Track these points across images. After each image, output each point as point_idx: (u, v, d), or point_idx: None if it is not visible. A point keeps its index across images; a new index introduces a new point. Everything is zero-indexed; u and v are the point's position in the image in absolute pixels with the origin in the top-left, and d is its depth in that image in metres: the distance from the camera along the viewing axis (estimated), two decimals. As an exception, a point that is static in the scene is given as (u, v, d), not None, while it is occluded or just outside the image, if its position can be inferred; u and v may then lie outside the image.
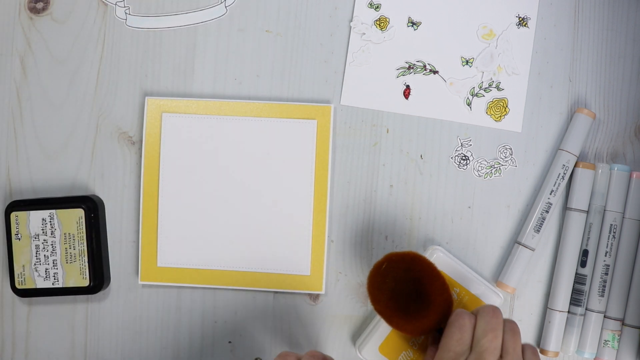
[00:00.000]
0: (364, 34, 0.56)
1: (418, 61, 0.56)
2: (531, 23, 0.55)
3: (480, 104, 0.55)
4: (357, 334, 0.55)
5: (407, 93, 0.56)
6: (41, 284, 0.55)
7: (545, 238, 0.55)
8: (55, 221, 0.55)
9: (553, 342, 0.53)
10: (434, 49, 0.56)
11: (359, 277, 0.56)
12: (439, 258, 0.52)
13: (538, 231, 0.53)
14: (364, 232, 0.56)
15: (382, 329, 0.52)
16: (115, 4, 0.57)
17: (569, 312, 0.53)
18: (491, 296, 0.52)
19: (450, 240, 0.55)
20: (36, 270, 0.55)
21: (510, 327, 0.45)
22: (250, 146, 0.56)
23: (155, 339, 0.57)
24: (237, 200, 0.56)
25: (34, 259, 0.55)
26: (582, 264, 0.53)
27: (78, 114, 0.57)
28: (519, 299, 0.55)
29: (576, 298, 0.53)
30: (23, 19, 0.58)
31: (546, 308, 0.54)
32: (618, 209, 0.53)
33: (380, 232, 0.56)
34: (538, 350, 0.48)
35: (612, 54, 0.55)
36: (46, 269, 0.55)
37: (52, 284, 0.55)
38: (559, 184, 0.53)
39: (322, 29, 0.56)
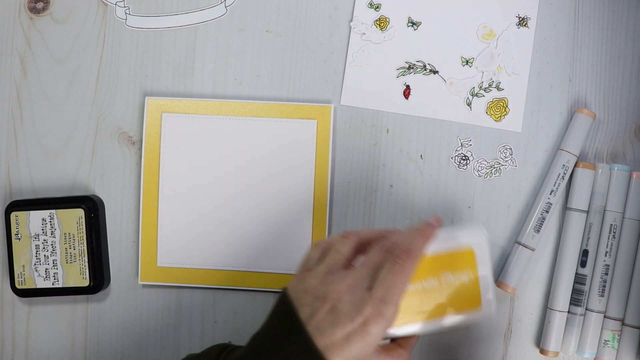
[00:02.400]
0: (364, 34, 0.56)
1: (418, 61, 0.56)
2: (531, 23, 0.55)
3: (480, 104, 0.55)
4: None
5: (407, 93, 0.56)
6: (41, 284, 0.55)
7: (545, 238, 0.55)
8: (55, 221, 0.55)
9: (553, 342, 0.53)
10: (434, 49, 0.56)
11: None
12: (476, 240, 0.48)
13: (538, 231, 0.53)
14: (364, 232, 0.56)
15: None
16: (115, 4, 0.57)
17: (569, 312, 0.53)
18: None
19: (450, 240, 0.55)
20: (36, 270, 0.55)
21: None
22: (250, 146, 0.56)
23: (155, 339, 0.57)
24: (237, 200, 0.56)
25: (34, 259, 0.55)
26: (582, 264, 0.53)
27: (78, 114, 0.57)
28: (519, 299, 0.55)
29: (576, 298, 0.53)
30: (23, 19, 0.58)
31: (546, 308, 0.54)
32: (618, 209, 0.53)
33: (380, 232, 0.56)
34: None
35: (612, 54, 0.55)
36: (46, 269, 0.55)
37: (52, 284, 0.55)
38: (559, 184, 0.53)
39: (322, 29, 0.56)
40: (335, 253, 0.44)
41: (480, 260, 0.48)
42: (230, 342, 0.56)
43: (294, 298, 0.42)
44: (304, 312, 0.41)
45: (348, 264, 0.44)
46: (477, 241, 0.48)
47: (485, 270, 0.48)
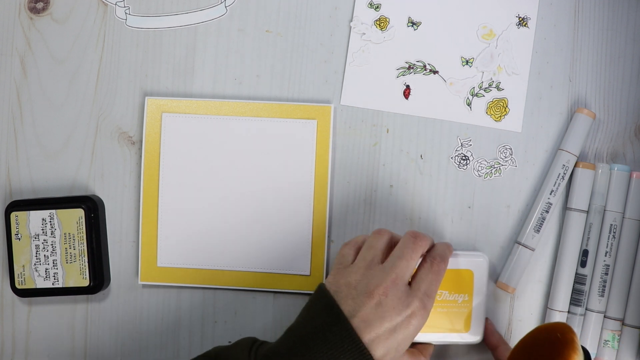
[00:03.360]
0: (364, 34, 0.56)
1: (418, 61, 0.56)
2: (531, 23, 0.55)
3: (480, 104, 0.55)
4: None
5: (407, 93, 0.56)
6: (41, 284, 0.55)
7: (545, 238, 0.55)
8: (55, 221, 0.55)
9: (553, 342, 0.53)
10: (434, 49, 0.56)
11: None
12: (477, 263, 0.51)
13: (538, 231, 0.53)
14: (364, 232, 0.56)
15: None
16: (115, 4, 0.57)
17: (569, 312, 0.53)
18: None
19: (450, 240, 0.55)
20: (36, 270, 0.55)
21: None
22: (250, 146, 0.56)
23: (155, 339, 0.57)
24: (237, 200, 0.56)
25: (34, 259, 0.55)
26: (582, 264, 0.53)
27: (78, 114, 0.57)
28: (519, 299, 0.55)
29: (576, 298, 0.53)
30: (23, 19, 0.58)
31: (546, 308, 0.54)
32: (618, 209, 0.53)
33: (380, 232, 0.56)
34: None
35: (612, 54, 0.55)
36: (46, 269, 0.55)
37: (52, 284, 0.55)
38: (559, 184, 0.53)
39: (322, 29, 0.56)
40: (371, 249, 0.46)
41: (478, 284, 0.51)
42: (230, 342, 0.56)
43: (334, 292, 0.44)
44: (347, 305, 0.43)
45: (384, 259, 0.46)
46: (478, 265, 0.51)
47: (479, 296, 0.51)
